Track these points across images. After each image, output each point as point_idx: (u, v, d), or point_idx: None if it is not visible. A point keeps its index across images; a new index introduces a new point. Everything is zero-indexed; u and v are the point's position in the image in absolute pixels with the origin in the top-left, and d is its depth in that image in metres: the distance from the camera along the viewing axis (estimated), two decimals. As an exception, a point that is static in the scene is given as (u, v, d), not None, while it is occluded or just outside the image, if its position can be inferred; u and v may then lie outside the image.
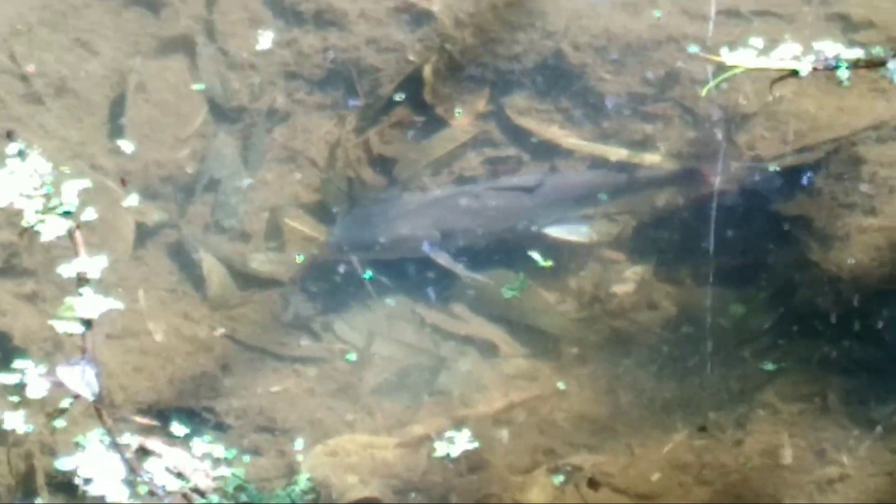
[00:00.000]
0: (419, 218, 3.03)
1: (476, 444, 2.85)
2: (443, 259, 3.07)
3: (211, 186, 3.15)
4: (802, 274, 3.12)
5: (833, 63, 3.10)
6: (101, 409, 2.74)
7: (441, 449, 2.79)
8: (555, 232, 3.09)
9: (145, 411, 2.98)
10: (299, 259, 3.03)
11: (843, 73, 3.07)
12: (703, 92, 3.11)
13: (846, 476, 2.84)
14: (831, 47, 3.13)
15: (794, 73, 3.08)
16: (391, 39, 3.07)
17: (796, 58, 3.09)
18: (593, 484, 2.74)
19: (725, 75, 3.08)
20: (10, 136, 2.86)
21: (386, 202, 3.05)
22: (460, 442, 2.80)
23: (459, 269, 3.06)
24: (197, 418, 3.00)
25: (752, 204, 3.02)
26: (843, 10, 3.15)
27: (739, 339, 2.93)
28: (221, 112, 3.03)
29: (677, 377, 2.87)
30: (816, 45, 3.17)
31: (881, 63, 3.06)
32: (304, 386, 2.97)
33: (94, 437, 2.86)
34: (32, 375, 2.82)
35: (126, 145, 2.99)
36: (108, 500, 2.76)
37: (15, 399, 2.90)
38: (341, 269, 3.13)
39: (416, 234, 3.09)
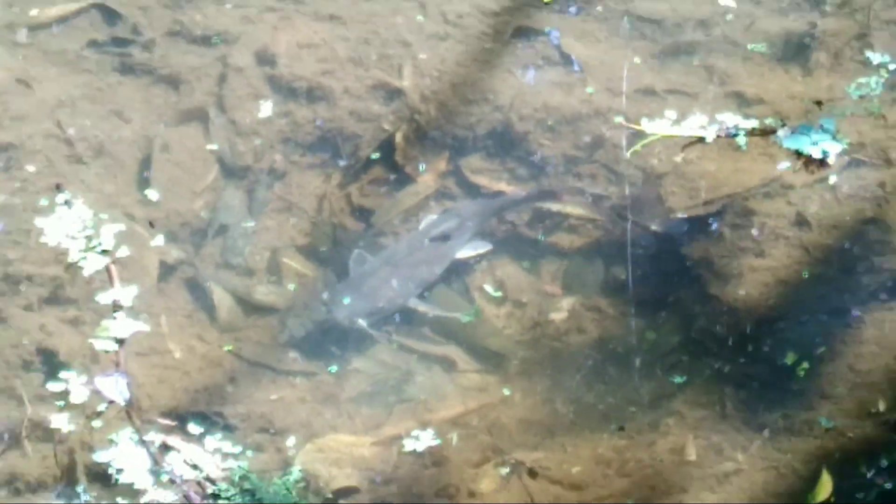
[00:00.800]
0: (399, 281, 3.13)
1: (438, 442, 3.05)
2: (421, 306, 3.16)
3: (221, 231, 3.28)
4: (704, 305, 3.28)
5: (732, 131, 3.32)
6: (131, 412, 2.91)
7: (409, 445, 3.01)
8: (463, 254, 3.20)
9: (167, 414, 3.15)
10: (292, 288, 3.08)
11: (741, 140, 3.32)
12: (627, 154, 3.25)
13: (740, 470, 3.01)
14: (731, 119, 3.32)
15: (701, 139, 3.28)
16: (369, 111, 3.24)
17: (702, 127, 3.33)
18: (532, 475, 2.89)
19: (645, 141, 3.27)
20: (58, 188, 3.04)
21: (365, 273, 3.14)
22: (425, 440, 3.02)
23: (431, 309, 3.15)
24: (209, 420, 3.12)
25: (665, 247, 3.17)
26: (740, 89, 3.38)
27: (652, 358, 3.09)
28: (230, 170, 3.22)
29: (602, 388, 3.06)
30: (719, 117, 3.36)
31: (772, 131, 3.30)
32: (297, 395, 3.15)
33: (125, 436, 3.03)
34: (75, 385, 2.98)
35: (152, 196, 3.11)
36: (136, 487, 2.90)
37: (60, 404, 3.08)
38: (325, 301, 3.20)
39: (402, 297, 3.16)
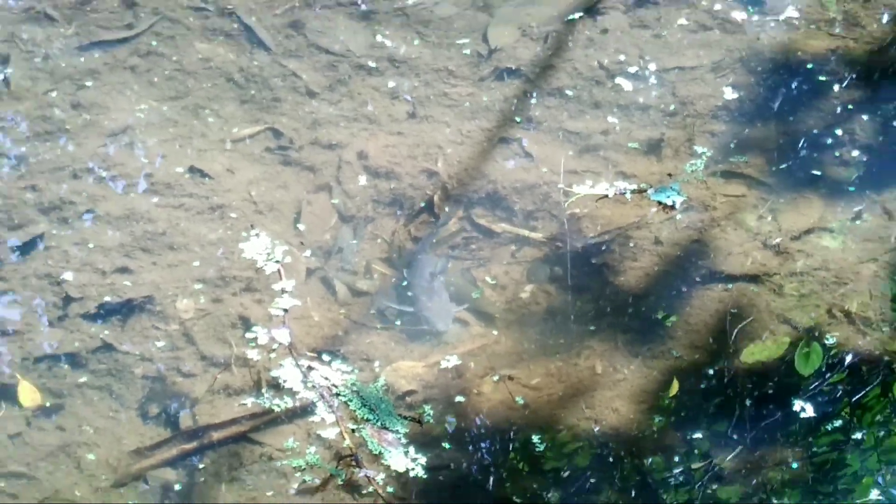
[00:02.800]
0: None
1: (459, 363, 3.32)
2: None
3: (339, 251, 3.51)
4: (606, 288, 3.55)
5: (623, 191, 3.68)
6: (291, 349, 3.26)
7: (443, 365, 3.30)
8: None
9: (310, 351, 3.34)
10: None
11: (627, 196, 3.66)
12: (565, 205, 3.66)
13: (626, 378, 3.33)
14: (621, 185, 3.70)
15: (605, 196, 3.67)
16: (419, 183, 3.57)
17: (606, 189, 3.70)
18: (511, 379, 3.28)
19: (573, 198, 3.66)
20: (252, 227, 3.39)
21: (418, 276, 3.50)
22: (452, 362, 3.31)
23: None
24: (333, 354, 3.32)
25: (584, 257, 3.59)
26: (624, 170, 3.70)
27: (578, 317, 3.45)
28: (343, 217, 3.53)
29: (550, 334, 3.43)
30: (615, 184, 3.73)
31: (644, 191, 3.67)
32: (381, 340, 3.40)
33: (288, 362, 3.28)
34: (261, 334, 3.33)
35: (302, 232, 3.47)
36: (294, 390, 3.22)
37: (252, 345, 3.33)
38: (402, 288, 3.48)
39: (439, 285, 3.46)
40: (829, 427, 3.23)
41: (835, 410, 3.28)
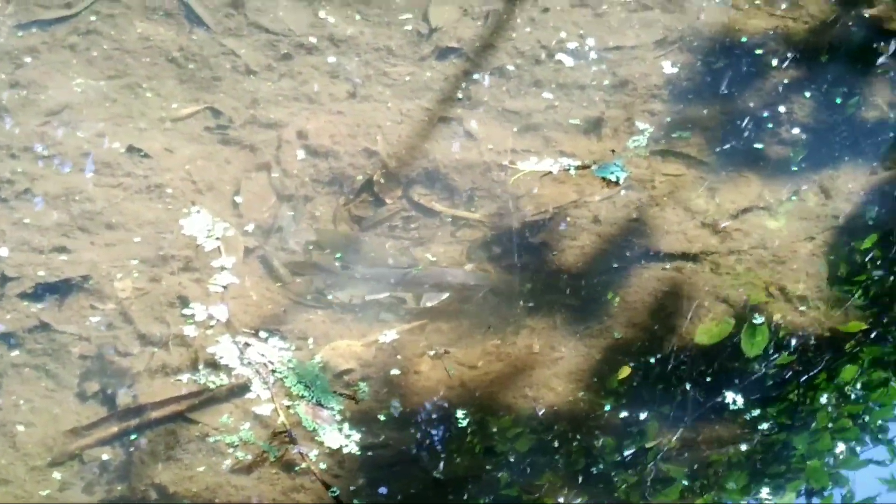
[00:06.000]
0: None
1: (398, 338, 3.36)
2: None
3: (278, 230, 3.52)
4: (545, 266, 3.56)
5: (567, 167, 3.70)
6: (229, 326, 3.30)
7: (381, 341, 3.35)
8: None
9: (248, 328, 3.35)
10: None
11: (572, 172, 3.70)
12: (510, 182, 3.70)
13: (563, 357, 3.35)
14: (565, 162, 3.73)
15: (549, 173, 3.72)
16: (359, 163, 3.59)
17: (550, 167, 3.74)
18: (447, 353, 3.34)
19: (518, 175, 3.70)
20: (193, 204, 3.42)
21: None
22: (390, 339, 3.35)
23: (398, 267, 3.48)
24: (270, 331, 3.33)
25: (525, 235, 3.60)
26: (565, 148, 3.71)
27: (517, 295, 3.47)
28: (282, 196, 3.55)
29: (488, 313, 3.45)
30: (558, 161, 3.76)
31: (588, 167, 3.69)
32: (319, 318, 3.42)
33: (225, 339, 3.30)
34: (199, 311, 3.35)
35: (241, 210, 3.49)
36: (230, 367, 3.23)
37: (190, 322, 3.34)
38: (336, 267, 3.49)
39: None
40: (776, 408, 3.27)
41: (782, 391, 3.32)
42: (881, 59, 4.10)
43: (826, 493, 3.09)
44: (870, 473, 3.15)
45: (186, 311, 3.40)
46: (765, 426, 3.21)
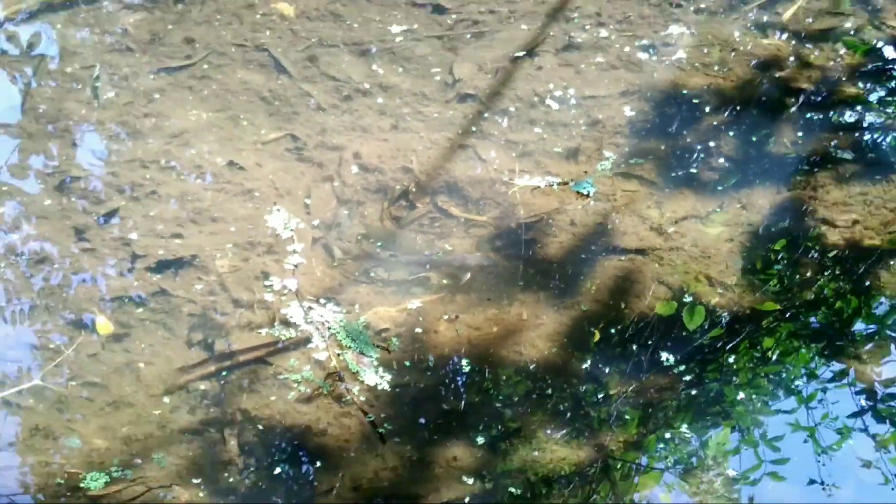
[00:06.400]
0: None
1: (421, 305, 3.29)
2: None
3: (336, 225, 3.46)
4: (535, 257, 3.48)
5: (552, 183, 3.60)
6: (298, 294, 3.26)
7: (410, 308, 3.27)
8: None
9: (312, 296, 3.28)
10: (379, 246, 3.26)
11: (555, 187, 3.61)
12: (509, 193, 3.61)
13: (544, 323, 3.26)
14: (550, 179, 3.64)
15: (538, 187, 3.62)
16: (399, 177, 3.55)
17: (538, 183, 3.64)
18: (459, 321, 3.24)
19: (515, 188, 3.61)
20: (275, 205, 3.33)
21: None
22: (415, 307, 3.27)
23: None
24: (329, 299, 3.29)
25: (520, 233, 3.51)
26: (551, 169, 3.62)
27: (512, 277, 3.40)
28: (341, 200, 3.50)
29: (493, 289, 3.36)
30: (545, 179, 3.66)
31: (567, 183, 3.60)
32: (366, 291, 3.36)
33: (295, 304, 3.25)
34: (276, 283, 3.29)
35: (311, 210, 3.43)
36: (297, 324, 3.20)
37: (269, 291, 3.30)
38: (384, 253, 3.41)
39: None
40: (711, 367, 3.23)
41: (716, 355, 3.27)
42: (789, 109, 4.08)
43: (749, 432, 3.04)
44: (780, 419, 3.12)
45: (267, 283, 3.36)
46: (703, 380, 3.17)
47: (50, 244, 3.48)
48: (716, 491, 2.84)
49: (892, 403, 3.09)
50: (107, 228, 3.53)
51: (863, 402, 3.09)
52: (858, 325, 3.32)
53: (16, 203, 3.63)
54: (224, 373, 3.10)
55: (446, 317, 3.27)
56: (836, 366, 3.19)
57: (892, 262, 3.45)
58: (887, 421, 3.04)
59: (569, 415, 3.02)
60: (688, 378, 3.13)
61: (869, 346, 3.25)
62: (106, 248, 3.46)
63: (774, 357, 3.22)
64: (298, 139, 3.83)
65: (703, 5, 4.37)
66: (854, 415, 3.06)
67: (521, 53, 4.20)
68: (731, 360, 3.22)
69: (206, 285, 3.35)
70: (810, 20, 4.33)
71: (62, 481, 2.78)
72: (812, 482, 2.86)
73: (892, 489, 2.85)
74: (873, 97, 4.07)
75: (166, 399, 3.02)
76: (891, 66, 4.23)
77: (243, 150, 3.78)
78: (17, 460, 2.86)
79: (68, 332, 3.22)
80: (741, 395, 3.09)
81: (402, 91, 4.04)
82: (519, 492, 2.81)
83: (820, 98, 4.08)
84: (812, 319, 3.33)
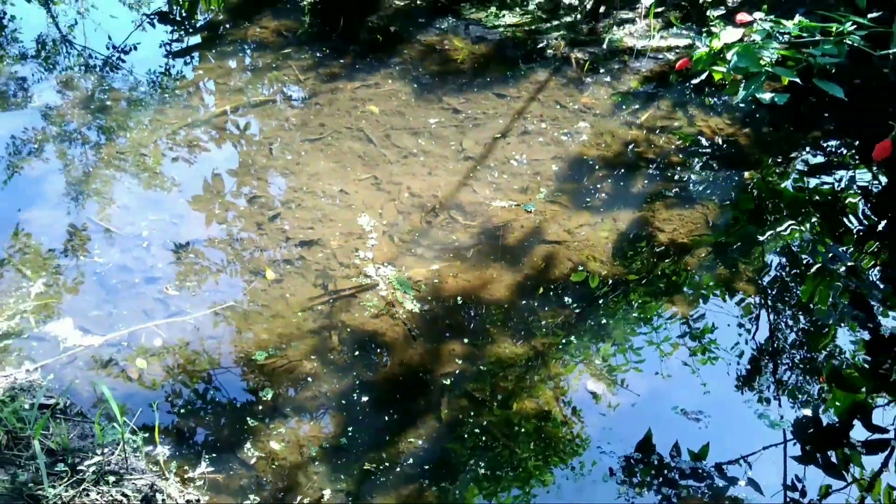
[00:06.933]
0: None
1: (439, 270, 3.12)
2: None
3: (396, 224, 3.33)
4: (502, 248, 3.30)
5: (511, 205, 3.42)
6: (374, 260, 2.96)
7: (436, 269, 3.11)
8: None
9: (380, 263, 3.12)
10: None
11: (513, 207, 3.41)
12: (489, 211, 3.32)
13: (504, 280, 3.10)
14: (511, 203, 3.45)
15: (504, 207, 3.46)
16: (430, 201, 3.33)
17: (505, 205, 3.48)
18: (458, 276, 3.11)
19: (491, 207, 3.41)
20: (362, 213, 3.13)
21: None
22: (434, 270, 3.12)
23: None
24: (390, 265, 3.11)
25: (492, 233, 3.27)
26: (511, 198, 3.40)
27: (490, 258, 3.22)
28: (399, 212, 3.32)
29: (479, 263, 3.23)
30: (508, 202, 3.46)
31: (519, 205, 3.32)
32: (411, 259, 3.21)
33: (371, 266, 3.01)
34: (362, 255, 3.13)
35: (382, 217, 3.36)
36: (372, 276, 3.00)
37: (357, 258, 3.12)
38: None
39: None
40: (601, 311, 3.05)
41: (602, 304, 3.12)
42: (642, 169, 3.92)
43: (622, 345, 2.87)
44: (641, 338, 2.94)
45: (358, 255, 3.25)
46: (596, 313, 3.02)
47: (244, 231, 3.39)
48: (605, 377, 2.77)
49: (700, 331, 2.99)
50: (273, 223, 3.42)
51: (687, 329, 3.01)
52: (681, 286, 3.16)
53: (233, 211, 3.51)
54: (332, 301, 3.00)
55: (451, 274, 3.14)
56: (671, 308, 3.06)
57: (694, 252, 3.30)
58: (697, 340, 2.94)
59: (521, 330, 2.90)
60: (588, 312, 3.00)
61: (690, 298, 3.16)
62: (272, 233, 3.35)
63: (636, 304, 3.05)
64: (378, 178, 3.70)
65: (597, 112, 4.21)
66: (681, 336, 2.97)
67: (498, 135, 4.03)
68: (611, 303, 3.05)
69: (324, 255, 3.23)
70: (656, 121, 4.20)
71: (243, 356, 2.77)
72: (657, 373, 2.79)
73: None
74: (685, 162, 3.91)
75: (300, 314, 2.94)
76: (698, 147, 4.07)
77: (347, 183, 3.66)
78: (220, 345, 2.81)
79: (251, 277, 3.13)
80: (618, 323, 2.95)
81: (434, 154, 3.88)
82: (491, 369, 2.73)
83: (658, 163, 3.90)
84: (655, 283, 3.15)
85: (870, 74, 3.87)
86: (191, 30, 5.03)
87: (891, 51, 3.15)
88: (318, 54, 4.51)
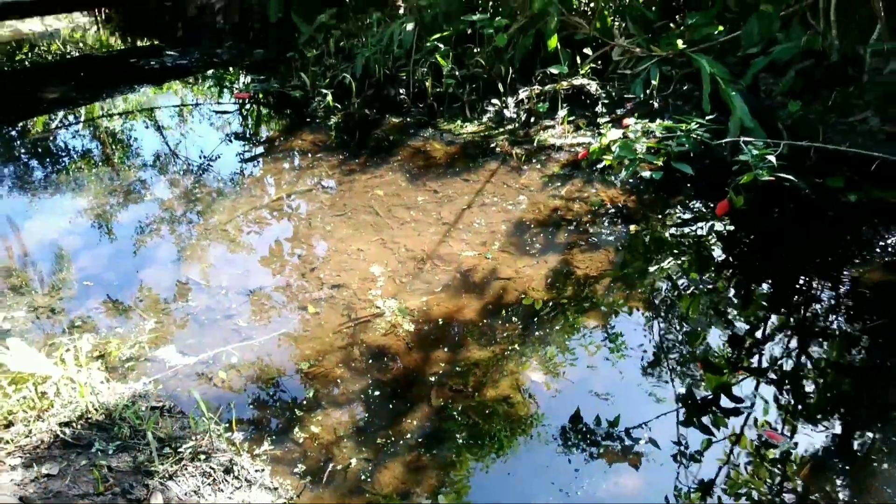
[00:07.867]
0: None
1: (425, 302, 3.04)
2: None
3: (397, 270, 3.20)
4: (470, 281, 3.23)
5: (475, 255, 3.17)
6: (381, 296, 2.81)
7: (434, 297, 3.04)
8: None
9: (386, 297, 3.11)
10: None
11: (476, 255, 3.25)
12: (460, 258, 3.16)
13: (473, 306, 3.08)
14: (475, 252, 3.37)
15: (470, 256, 3.27)
16: (420, 253, 3.30)
17: (471, 255, 3.32)
18: (439, 305, 3.03)
19: (461, 256, 3.27)
20: (374, 264, 3.03)
21: None
22: (422, 301, 3.05)
23: None
24: (392, 298, 3.11)
25: (464, 273, 3.16)
26: (474, 249, 3.26)
27: (463, 287, 3.16)
28: (399, 261, 3.23)
29: (456, 290, 3.14)
30: (472, 252, 3.42)
31: (481, 255, 3.18)
32: (408, 295, 3.17)
33: (380, 300, 2.96)
34: (375, 291, 3.09)
35: (388, 266, 3.14)
36: (380, 307, 3.00)
37: (371, 293, 3.08)
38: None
39: None
40: (543, 319, 3.07)
41: (546, 316, 3.11)
42: (563, 227, 3.90)
43: (560, 346, 2.86)
44: (577, 342, 2.96)
45: (371, 293, 3.20)
46: (540, 325, 2.99)
47: (294, 279, 3.39)
48: (549, 371, 2.73)
49: (613, 335, 3.01)
50: (313, 273, 3.36)
51: (604, 334, 3.02)
52: (597, 305, 3.18)
53: (287, 266, 3.54)
54: (354, 326, 2.97)
55: (436, 304, 2.96)
56: (591, 321, 3.08)
57: (601, 282, 3.34)
58: (611, 342, 2.94)
59: (486, 340, 2.88)
60: (534, 326, 3.00)
61: (604, 313, 3.16)
62: (312, 280, 3.32)
63: (567, 319, 3.01)
64: (384, 240, 3.57)
65: (532, 189, 4.20)
66: (601, 340, 2.97)
67: (465, 207, 3.87)
68: (549, 319, 3.02)
69: (348, 293, 3.11)
70: (572, 193, 4.17)
71: (293, 366, 2.66)
72: (586, 366, 2.71)
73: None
74: (593, 221, 3.95)
75: (332, 335, 2.92)
76: (602, 210, 4.06)
77: (362, 244, 3.61)
78: (277, 360, 2.87)
79: (299, 311, 3.13)
80: (555, 332, 2.96)
81: (422, 221, 3.76)
82: (467, 368, 2.75)
83: (575, 222, 3.89)
84: (579, 304, 3.20)
85: (713, 157, 4.21)
86: (256, 143, 5.45)
87: (724, 140, 3.37)
88: (341, 157, 4.46)
